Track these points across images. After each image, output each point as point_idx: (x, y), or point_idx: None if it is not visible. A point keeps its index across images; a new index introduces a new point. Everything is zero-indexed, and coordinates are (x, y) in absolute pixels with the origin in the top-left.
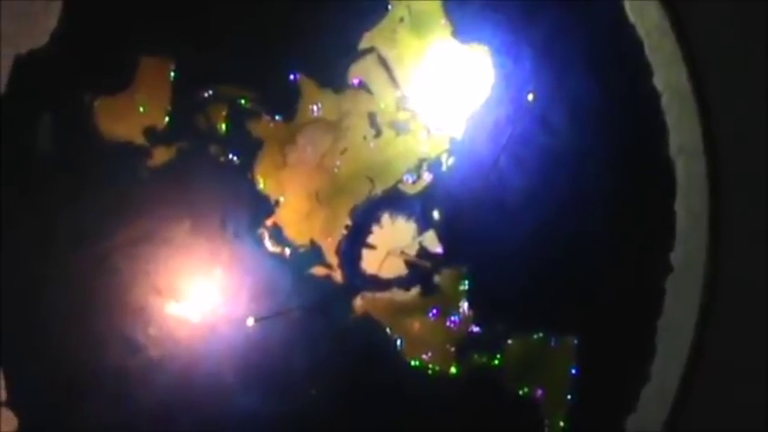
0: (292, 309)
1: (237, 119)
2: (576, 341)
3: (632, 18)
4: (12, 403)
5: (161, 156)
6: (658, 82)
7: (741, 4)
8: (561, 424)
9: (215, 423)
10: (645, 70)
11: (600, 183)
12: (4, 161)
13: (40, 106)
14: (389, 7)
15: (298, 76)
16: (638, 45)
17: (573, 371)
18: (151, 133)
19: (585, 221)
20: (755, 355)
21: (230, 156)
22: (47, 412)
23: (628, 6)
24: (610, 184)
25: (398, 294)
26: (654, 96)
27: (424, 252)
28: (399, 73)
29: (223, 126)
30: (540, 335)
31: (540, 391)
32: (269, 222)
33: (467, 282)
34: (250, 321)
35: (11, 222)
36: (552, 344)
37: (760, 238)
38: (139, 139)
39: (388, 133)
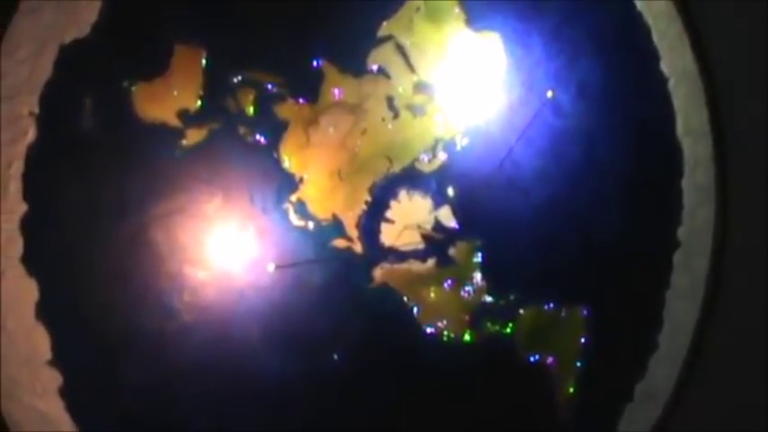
0: (311, 260)
1: (264, 102)
2: (585, 311)
3: (639, 5)
4: (56, 362)
5: (194, 136)
6: (665, 66)
7: None
8: (571, 390)
9: (243, 382)
10: (653, 55)
11: (610, 161)
12: (52, 141)
13: (84, 91)
14: None
15: (321, 62)
16: (645, 31)
17: (582, 339)
18: (184, 115)
19: (596, 198)
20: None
21: (257, 136)
22: (89, 371)
23: None
24: (620, 162)
25: (415, 265)
26: (662, 80)
27: (439, 226)
28: (416, 59)
29: (251, 108)
30: (551, 305)
31: (550, 359)
32: (294, 198)
33: (480, 254)
34: (271, 267)
35: (60, 195)
36: (563, 314)
37: (763, 216)
38: (174, 121)
39: (405, 115)
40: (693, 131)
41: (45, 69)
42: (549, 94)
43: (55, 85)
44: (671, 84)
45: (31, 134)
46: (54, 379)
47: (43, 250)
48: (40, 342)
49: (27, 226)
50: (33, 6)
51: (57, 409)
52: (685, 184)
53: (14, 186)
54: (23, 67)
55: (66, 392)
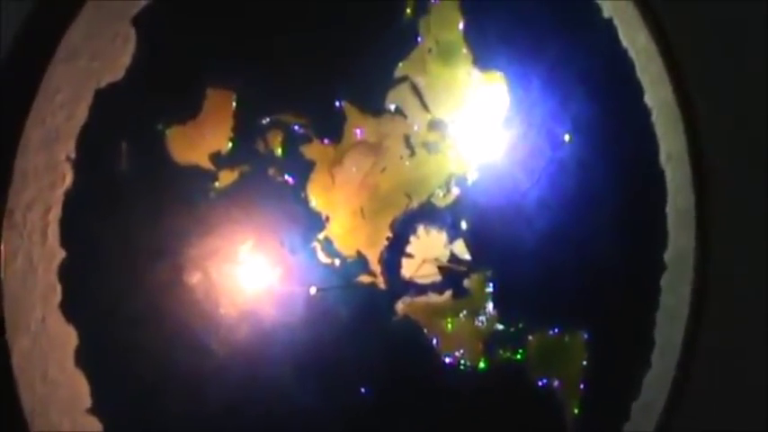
0: (347, 285)
1: (292, 143)
2: (586, 335)
3: (625, 43)
4: (95, 409)
5: (226, 178)
6: (648, 99)
7: (720, 26)
8: (576, 411)
9: (276, 416)
10: (637, 89)
11: (601, 190)
12: (89, 185)
13: (119, 134)
14: (419, 39)
15: (343, 103)
16: (630, 66)
17: (584, 362)
18: (216, 158)
19: (591, 226)
20: (748, 339)
21: (286, 176)
22: (127, 416)
23: (621, 32)
24: (610, 191)
25: (433, 298)
26: (646, 112)
27: (454, 258)
28: (430, 98)
29: (279, 150)
30: (556, 330)
31: (557, 382)
32: (321, 236)
33: (491, 284)
34: (313, 290)
35: (97, 240)
36: (566, 338)
37: (743, 235)
38: (206, 164)
39: (421, 153)
40: (673, 158)
41: (82, 114)
42: (567, 137)
43: (91, 129)
44: (654, 115)
45: (69, 179)
46: (94, 426)
47: (81, 295)
48: (81, 389)
49: (65, 272)
50: (70, 51)
51: None
52: (669, 209)
53: (52, 233)
54: (61, 112)
55: None
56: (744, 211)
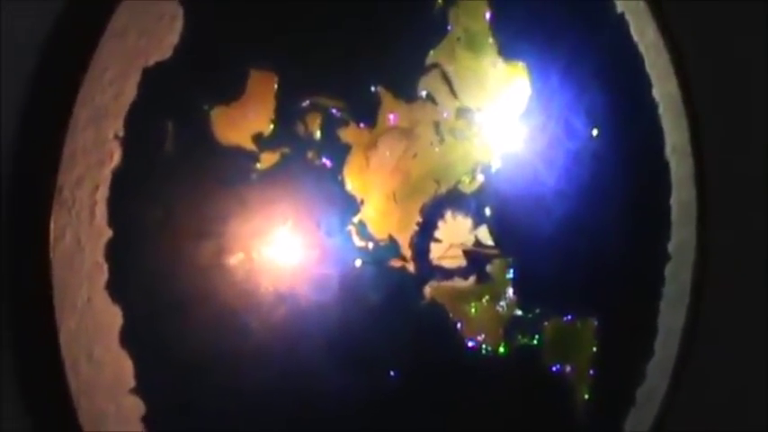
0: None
1: (330, 126)
2: (596, 322)
3: (635, 38)
4: (139, 389)
5: (268, 160)
6: (656, 93)
7: (725, 23)
8: (586, 396)
9: (312, 396)
10: (646, 83)
11: (613, 182)
12: (136, 164)
13: (166, 114)
14: (449, 28)
15: (378, 88)
16: (640, 61)
17: (594, 349)
18: (259, 139)
19: (602, 217)
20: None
21: (324, 159)
22: (170, 397)
23: (632, 27)
24: (620, 183)
25: (459, 282)
26: (653, 105)
27: (478, 244)
28: (458, 86)
29: (318, 133)
30: (569, 317)
31: (569, 368)
32: (356, 220)
33: (512, 270)
34: (358, 262)
35: (143, 220)
36: (579, 325)
37: (743, 228)
38: (249, 145)
39: (449, 140)
40: (678, 151)
41: (130, 92)
42: (594, 132)
43: (139, 107)
44: (661, 109)
45: (117, 157)
46: (137, 407)
47: (126, 275)
48: (125, 370)
49: (111, 251)
50: (119, 28)
51: None
52: (673, 200)
53: (100, 211)
54: (110, 90)
55: (149, 421)
56: (743, 204)
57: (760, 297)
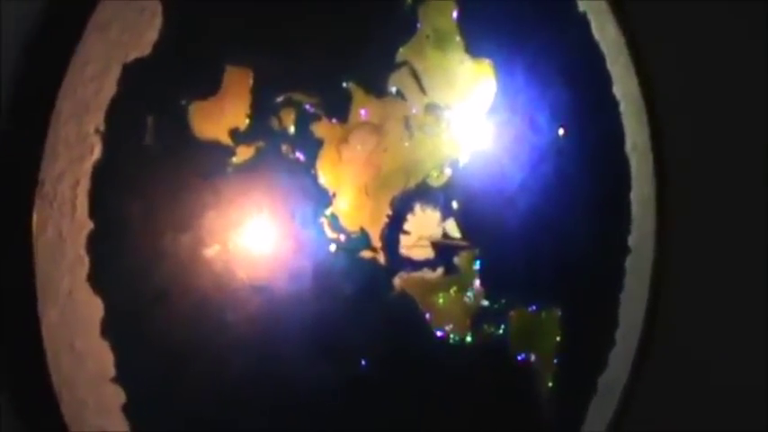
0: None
1: (303, 121)
2: (560, 312)
3: (597, 36)
4: (119, 379)
5: (243, 154)
6: (617, 91)
7: (686, 22)
8: (550, 384)
9: (289, 387)
10: (607, 81)
11: (574, 177)
12: (116, 158)
13: (145, 109)
14: (418, 26)
15: (349, 84)
16: (601, 59)
17: (558, 338)
18: (235, 134)
19: (565, 210)
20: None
21: (297, 153)
22: (150, 387)
23: (593, 26)
24: (582, 178)
25: (427, 274)
26: (614, 103)
27: (446, 237)
28: (426, 83)
29: (292, 127)
30: (534, 307)
31: (533, 357)
32: (328, 212)
33: (479, 262)
34: (333, 247)
35: (123, 213)
36: (543, 315)
37: (701, 223)
38: (226, 139)
39: (418, 135)
40: (638, 148)
41: (110, 87)
42: (561, 131)
43: (119, 102)
44: (622, 106)
45: (97, 151)
46: (117, 396)
47: (107, 268)
48: (105, 360)
49: (92, 244)
50: (102, 23)
51: (120, 428)
52: (633, 196)
53: (81, 205)
54: (91, 85)
55: (129, 410)
56: (704, 199)
57: (727, 290)
